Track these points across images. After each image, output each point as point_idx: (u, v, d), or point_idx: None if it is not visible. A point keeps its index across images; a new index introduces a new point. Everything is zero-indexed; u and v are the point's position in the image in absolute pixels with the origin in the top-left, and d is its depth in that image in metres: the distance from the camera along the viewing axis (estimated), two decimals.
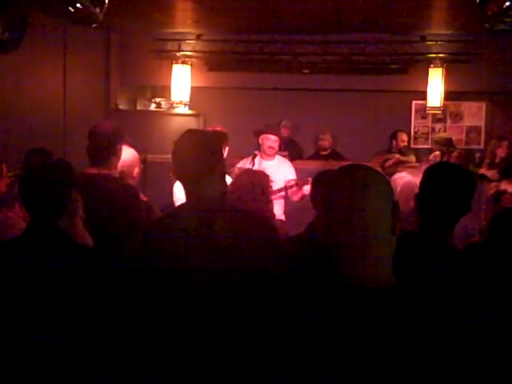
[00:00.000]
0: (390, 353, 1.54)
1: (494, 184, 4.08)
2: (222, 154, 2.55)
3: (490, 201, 3.46)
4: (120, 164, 3.75)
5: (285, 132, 8.38)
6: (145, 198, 3.98)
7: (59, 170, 2.52)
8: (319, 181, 3.41)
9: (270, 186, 3.62)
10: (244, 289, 2.15)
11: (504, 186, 3.79)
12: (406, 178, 3.67)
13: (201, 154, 2.39)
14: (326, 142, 8.36)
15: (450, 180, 2.43)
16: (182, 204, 2.55)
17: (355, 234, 1.63)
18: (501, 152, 7.21)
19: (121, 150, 3.62)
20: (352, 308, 1.57)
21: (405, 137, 8.12)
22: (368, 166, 1.78)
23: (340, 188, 1.68)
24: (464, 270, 2.26)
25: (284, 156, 6.08)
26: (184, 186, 2.46)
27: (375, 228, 1.64)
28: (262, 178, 3.55)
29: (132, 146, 3.97)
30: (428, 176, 2.49)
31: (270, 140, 5.58)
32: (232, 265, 2.25)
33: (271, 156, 5.62)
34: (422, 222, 2.44)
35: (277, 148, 5.65)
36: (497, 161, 7.16)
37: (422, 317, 1.60)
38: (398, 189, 3.58)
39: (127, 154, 3.83)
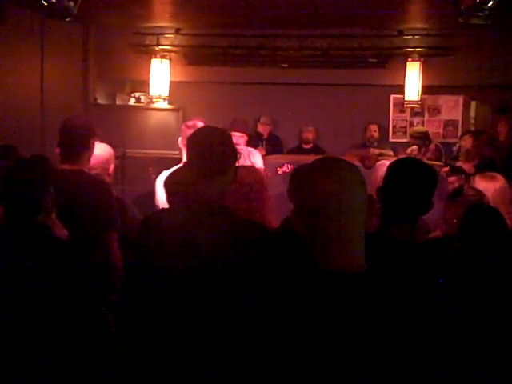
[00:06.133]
0: (362, 335, 1.59)
1: (453, 178, 4.12)
2: (236, 155, 2.52)
3: (451, 196, 3.48)
4: (95, 160, 3.74)
5: (264, 129, 8.41)
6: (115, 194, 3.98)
7: (38, 165, 2.54)
8: (297, 174, 3.42)
9: (262, 183, 3.45)
10: (225, 287, 2.16)
11: (477, 180, 3.84)
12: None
13: (222, 150, 2.39)
14: (310, 134, 8.41)
15: (411, 176, 2.42)
16: (182, 199, 2.49)
17: (330, 226, 1.66)
18: (464, 145, 7.26)
19: (93, 144, 3.60)
20: (327, 292, 1.62)
21: (375, 128, 8.27)
22: (342, 158, 1.81)
23: (314, 181, 1.71)
24: (418, 265, 2.27)
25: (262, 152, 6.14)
26: (195, 179, 2.40)
27: (350, 219, 1.67)
28: (250, 176, 3.43)
29: (103, 140, 3.95)
30: (391, 170, 2.50)
31: (235, 137, 5.71)
32: (211, 268, 2.23)
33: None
34: (383, 215, 2.45)
35: (243, 143, 5.77)
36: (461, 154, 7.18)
37: (387, 304, 1.66)
38: (378, 179, 3.61)
39: (102, 150, 3.82)
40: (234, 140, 5.70)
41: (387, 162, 3.77)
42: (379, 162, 3.86)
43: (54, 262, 2.33)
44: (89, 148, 3.55)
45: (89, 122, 3.67)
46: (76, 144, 3.49)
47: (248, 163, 5.54)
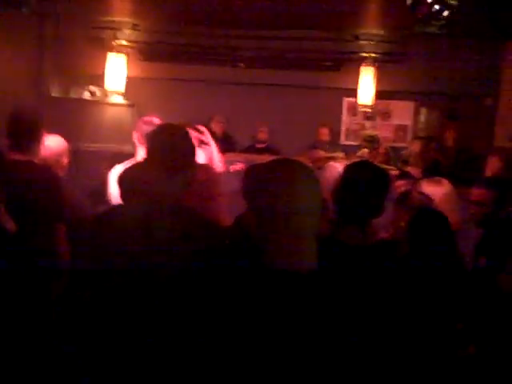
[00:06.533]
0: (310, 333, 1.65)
1: (400, 182, 4.22)
2: (195, 153, 2.49)
3: (399, 200, 3.56)
4: (49, 152, 3.72)
5: (218, 127, 8.40)
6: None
7: None
8: (251, 174, 3.46)
9: (214, 181, 3.44)
10: (178, 285, 2.15)
11: (424, 185, 3.93)
12: (337, 169, 3.76)
13: (183, 147, 2.35)
14: (264, 134, 8.46)
15: (366, 179, 2.45)
16: (138, 196, 2.45)
17: (282, 226, 1.70)
18: (414, 149, 7.44)
19: (43, 135, 3.56)
20: (276, 291, 1.67)
21: (325, 131, 8.35)
22: (298, 160, 1.85)
23: (269, 181, 1.75)
24: (367, 268, 2.32)
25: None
26: (154, 176, 2.34)
27: (303, 220, 1.71)
28: (203, 174, 3.41)
29: (56, 133, 3.93)
30: (346, 173, 2.53)
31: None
32: (168, 263, 2.20)
33: None
34: (336, 218, 2.49)
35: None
36: (411, 159, 7.36)
37: (334, 304, 1.71)
38: (326, 180, 3.67)
39: (56, 142, 3.80)
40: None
41: (336, 164, 3.86)
42: (327, 164, 3.93)
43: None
44: (38, 138, 3.51)
45: (38, 113, 3.61)
46: (25, 134, 3.44)
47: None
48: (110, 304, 2.24)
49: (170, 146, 2.32)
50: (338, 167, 3.74)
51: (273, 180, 1.75)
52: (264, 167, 1.84)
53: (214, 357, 1.67)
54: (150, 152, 2.37)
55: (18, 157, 3.41)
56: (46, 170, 3.56)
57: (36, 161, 3.51)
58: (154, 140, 2.38)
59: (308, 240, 1.74)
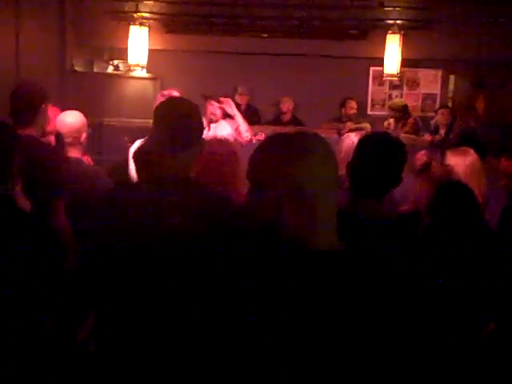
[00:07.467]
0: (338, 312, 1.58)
1: (421, 153, 4.13)
2: (203, 128, 2.43)
3: (420, 171, 3.49)
4: (66, 129, 3.70)
5: (242, 99, 8.33)
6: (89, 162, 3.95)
7: (4, 134, 2.49)
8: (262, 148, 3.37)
9: (234, 155, 3.38)
10: (192, 266, 2.11)
11: (449, 155, 3.85)
12: (352, 140, 3.71)
13: (187, 123, 2.30)
14: (288, 105, 8.38)
15: (380, 150, 2.40)
16: (148, 172, 2.43)
17: (301, 202, 1.64)
18: (439, 119, 7.35)
19: (46, 109, 3.53)
20: (297, 270, 1.60)
21: (353, 104, 8.18)
22: (312, 131, 1.77)
23: (282, 155, 1.68)
24: (388, 241, 2.27)
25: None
26: (160, 152, 2.31)
27: (318, 195, 1.65)
28: (222, 148, 3.34)
29: (79, 107, 3.90)
30: (360, 145, 2.49)
31: (213, 106, 5.65)
32: (180, 243, 2.17)
33: (214, 122, 5.69)
34: (352, 189, 2.44)
35: (218, 115, 5.69)
36: (442, 130, 7.27)
37: (361, 279, 1.66)
38: (343, 152, 3.62)
39: (74, 118, 3.77)
40: (211, 109, 5.66)
41: (351, 134, 3.79)
42: (344, 136, 3.86)
43: (18, 234, 2.30)
44: (41, 113, 3.49)
45: (40, 87, 3.58)
46: (26, 109, 3.42)
47: (223, 133, 5.46)
48: (122, 280, 2.22)
49: (172, 121, 2.28)
50: (353, 138, 3.66)
51: (284, 153, 1.67)
52: (273, 140, 1.76)
53: (232, 338, 1.63)
54: (154, 127, 2.34)
55: (20, 131, 3.36)
56: (44, 145, 3.53)
57: (37, 135, 3.48)
58: (158, 115, 2.35)
59: (324, 215, 1.67)
